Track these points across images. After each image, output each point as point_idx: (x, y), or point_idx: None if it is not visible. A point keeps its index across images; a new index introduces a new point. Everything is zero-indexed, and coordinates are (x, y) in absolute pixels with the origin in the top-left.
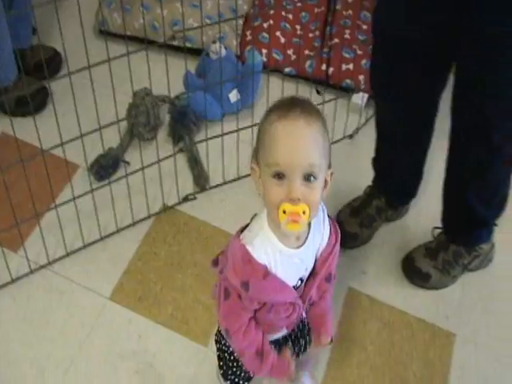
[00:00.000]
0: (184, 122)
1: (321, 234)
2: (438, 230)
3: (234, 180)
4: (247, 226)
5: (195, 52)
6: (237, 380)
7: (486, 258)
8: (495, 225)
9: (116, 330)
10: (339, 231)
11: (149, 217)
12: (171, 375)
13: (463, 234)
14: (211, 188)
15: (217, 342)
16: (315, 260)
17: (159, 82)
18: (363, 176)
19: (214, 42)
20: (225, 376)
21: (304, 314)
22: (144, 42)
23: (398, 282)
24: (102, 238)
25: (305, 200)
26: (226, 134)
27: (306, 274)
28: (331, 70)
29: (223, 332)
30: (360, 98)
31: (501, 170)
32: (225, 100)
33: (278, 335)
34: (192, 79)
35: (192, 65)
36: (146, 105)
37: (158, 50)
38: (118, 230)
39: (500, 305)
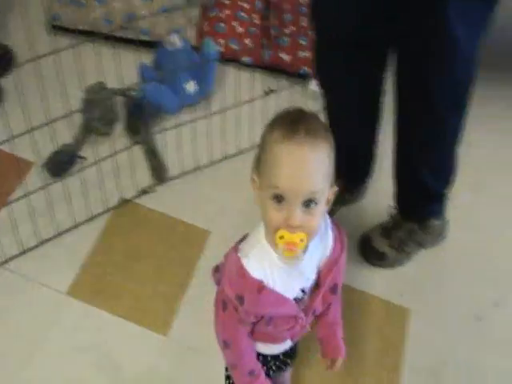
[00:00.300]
0: (140, 115)
1: (323, 243)
2: (394, 209)
3: (193, 171)
4: (245, 237)
5: (152, 45)
6: None
7: (439, 235)
8: (446, 196)
9: (73, 324)
10: (346, 240)
11: (106, 211)
12: (130, 366)
13: (416, 210)
14: (170, 180)
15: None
16: (319, 270)
17: (116, 75)
18: None
19: (169, 34)
20: None
21: (309, 328)
22: (98, 36)
23: (355, 262)
24: (58, 234)
25: (303, 227)
26: (182, 124)
27: (307, 285)
28: (288, 57)
29: (221, 345)
30: (317, 85)
31: (447, 141)
32: (182, 91)
33: (283, 347)
34: (147, 71)
35: (150, 58)
36: (100, 99)
37: (112, 43)
38: (76, 226)
39: (452, 280)
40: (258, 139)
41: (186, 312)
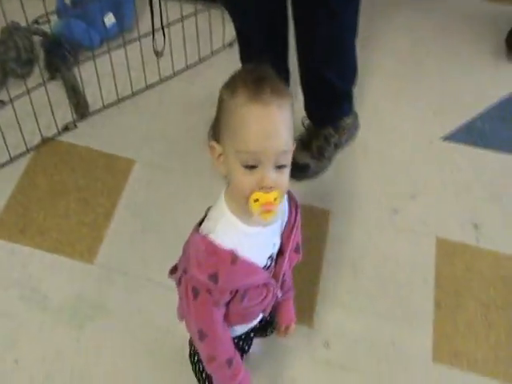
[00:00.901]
0: (58, 53)
1: (283, 208)
2: (308, 120)
3: (115, 103)
4: (204, 218)
5: None
6: None
7: (353, 131)
8: (352, 93)
9: None
10: (297, 200)
11: (27, 151)
12: (58, 295)
13: (327, 113)
14: (92, 114)
15: (193, 363)
16: (281, 235)
17: (30, 15)
18: None
19: None
20: None
21: (279, 294)
22: None
23: None
24: None
25: (276, 186)
26: (101, 56)
27: (274, 251)
28: None
29: (196, 337)
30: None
31: (344, 38)
32: (100, 25)
33: (255, 322)
34: (63, 6)
35: None
36: (14, 40)
37: None
38: None
39: (369, 180)
40: (177, 67)
41: (112, 239)
